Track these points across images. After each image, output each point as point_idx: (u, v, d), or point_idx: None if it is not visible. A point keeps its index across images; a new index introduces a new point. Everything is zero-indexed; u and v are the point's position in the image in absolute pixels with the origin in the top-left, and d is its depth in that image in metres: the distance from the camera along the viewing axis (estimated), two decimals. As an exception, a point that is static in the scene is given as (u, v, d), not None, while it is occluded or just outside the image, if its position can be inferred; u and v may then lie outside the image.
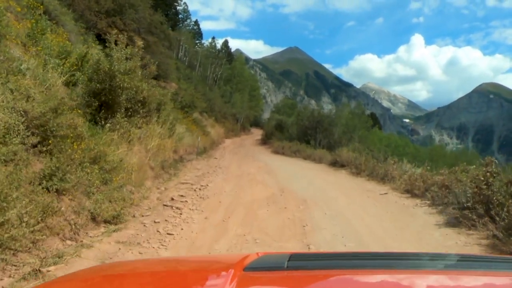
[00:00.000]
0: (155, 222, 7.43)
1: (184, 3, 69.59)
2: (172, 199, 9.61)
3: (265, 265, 1.43)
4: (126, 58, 10.75)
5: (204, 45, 74.09)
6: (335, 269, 1.39)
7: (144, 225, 7.15)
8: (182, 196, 10.14)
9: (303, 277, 1.33)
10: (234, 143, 41.86)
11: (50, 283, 1.68)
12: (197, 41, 74.01)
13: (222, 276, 1.32)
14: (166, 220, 7.60)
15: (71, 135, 7.78)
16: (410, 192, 11.03)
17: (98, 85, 10.10)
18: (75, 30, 17.85)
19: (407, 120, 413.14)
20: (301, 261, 1.52)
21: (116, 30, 15.28)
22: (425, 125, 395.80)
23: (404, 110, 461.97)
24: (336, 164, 18.11)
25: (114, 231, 6.72)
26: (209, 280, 1.38)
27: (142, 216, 7.87)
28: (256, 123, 79.06)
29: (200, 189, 11.32)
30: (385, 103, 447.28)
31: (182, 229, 7.10)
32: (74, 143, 7.75)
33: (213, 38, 76.52)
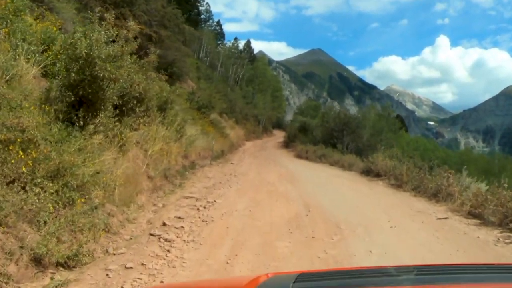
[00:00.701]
0: (125, 267, 5.10)
1: (207, 3, 67.97)
2: (164, 224, 7.26)
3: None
4: (112, 41, 8.52)
5: (227, 45, 72.17)
6: None
7: (107, 274, 4.83)
8: (179, 218, 7.81)
9: None
10: (255, 145, 39.63)
11: None
12: (219, 42, 72.29)
13: None
14: (143, 264, 5.27)
15: (18, 139, 5.59)
16: (479, 216, 8.45)
17: (74, 75, 7.88)
18: (74, 19, 15.80)
19: (431, 123, 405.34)
20: (307, 282, 1.51)
21: (100, 8, 13.16)
22: (450, 128, 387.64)
23: (429, 113, 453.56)
24: (369, 173, 15.74)
25: (60, 285, 4.45)
26: None
27: (114, 254, 5.57)
28: (279, 125, 77.21)
29: (205, 207, 9.01)
30: (409, 106, 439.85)
31: (162, 281, 4.77)
32: (21, 151, 5.56)
33: (236, 38, 74.93)
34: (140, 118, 10.57)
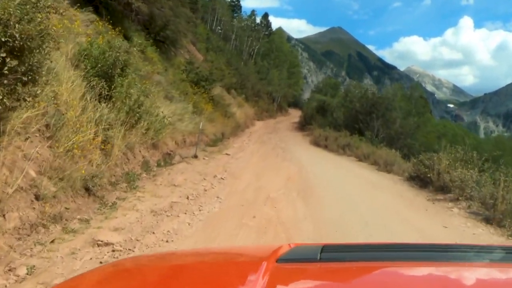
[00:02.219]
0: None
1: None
2: None
3: (298, 257, 1.39)
4: None
5: (243, 18, 66.44)
6: (370, 261, 1.35)
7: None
8: None
9: (337, 269, 1.31)
10: (266, 126, 34.50)
11: (64, 283, 1.55)
12: (236, 15, 66.46)
13: (255, 268, 1.23)
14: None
15: None
16: None
17: None
18: None
19: (451, 105, 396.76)
20: (335, 253, 1.47)
21: None
22: (470, 111, 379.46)
23: (449, 95, 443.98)
24: (423, 182, 10.52)
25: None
26: (242, 272, 1.34)
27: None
28: (295, 103, 72.33)
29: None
30: (429, 87, 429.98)
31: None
32: None
33: (253, 11, 69.15)
34: (20, 87, 5.52)
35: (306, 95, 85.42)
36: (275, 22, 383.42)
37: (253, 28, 63.52)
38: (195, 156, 13.18)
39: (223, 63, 40.25)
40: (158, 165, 10.67)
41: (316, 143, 23.20)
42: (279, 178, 10.82)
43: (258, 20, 67.56)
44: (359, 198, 9.08)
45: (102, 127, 7.82)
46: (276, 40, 66.61)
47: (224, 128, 22.75)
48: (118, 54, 8.94)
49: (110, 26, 15.04)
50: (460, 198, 8.48)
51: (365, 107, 23.99)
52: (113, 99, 8.89)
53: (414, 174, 11.25)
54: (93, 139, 7.53)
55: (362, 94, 24.87)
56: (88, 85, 8.30)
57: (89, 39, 10.04)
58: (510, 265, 1.29)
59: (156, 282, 1.32)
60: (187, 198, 7.82)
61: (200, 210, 7.06)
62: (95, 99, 8.25)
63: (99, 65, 8.88)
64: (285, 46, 71.65)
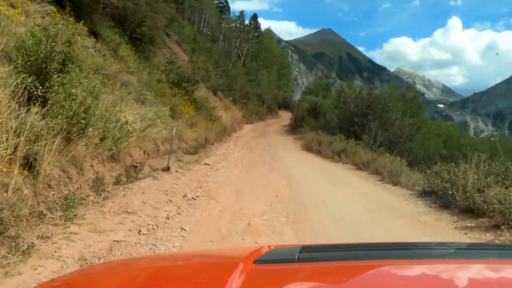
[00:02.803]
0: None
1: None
2: None
3: (275, 258, 1.38)
4: None
5: (232, 19, 64.42)
6: (348, 260, 1.35)
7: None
8: None
9: (315, 269, 1.30)
10: (254, 130, 32.61)
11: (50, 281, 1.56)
12: (224, 16, 64.26)
13: (231, 269, 1.21)
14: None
15: None
16: None
17: None
18: None
19: (441, 106, 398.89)
20: (313, 253, 1.45)
21: None
22: (460, 111, 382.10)
23: (439, 95, 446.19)
24: (442, 199, 8.44)
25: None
26: (217, 273, 1.34)
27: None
28: (285, 105, 70.65)
29: None
30: (419, 88, 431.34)
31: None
32: None
33: (242, 12, 67.26)
34: None
35: (297, 97, 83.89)
36: (265, 24, 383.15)
37: (241, 29, 61.59)
38: (167, 168, 11.19)
39: (210, 65, 38.30)
40: (117, 182, 8.70)
41: (308, 148, 21.26)
42: (265, 196, 8.86)
43: (247, 21, 65.66)
44: (366, 226, 7.04)
45: (24, 138, 5.82)
46: (265, 41, 64.65)
47: (207, 133, 20.82)
48: (54, 44, 6.94)
49: (71, 19, 12.99)
50: (502, 226, 6.48)
51: (360, 108, 22.11)
52: (50, 102, 6.89)
53: (428, 188, 9.33)
54: (11, 154, 5.58)
55: (357, 94, 22.97)
56: (17, 83, 6.35)
57: (35, 27, 8.03)
58: (473, 260, 1.30)
59: (129, 287, 1.31)
60: (139, 232, 5.83)
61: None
62: (21, 102, 6.28)
63: (32, 59, 6.90)
64: (275, 47, 69.70)
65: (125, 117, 10.04)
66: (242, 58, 60.85)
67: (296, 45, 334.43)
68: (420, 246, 1.56)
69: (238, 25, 62.70)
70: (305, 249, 1.39)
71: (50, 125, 6.54)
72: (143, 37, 20.90)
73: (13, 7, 10.35)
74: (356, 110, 22.04)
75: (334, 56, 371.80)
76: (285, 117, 50.88)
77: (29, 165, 6.03)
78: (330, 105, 27.59)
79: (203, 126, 20.87)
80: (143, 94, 15.03)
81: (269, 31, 72.70)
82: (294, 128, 32.65)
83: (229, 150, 18.13)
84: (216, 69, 39.64)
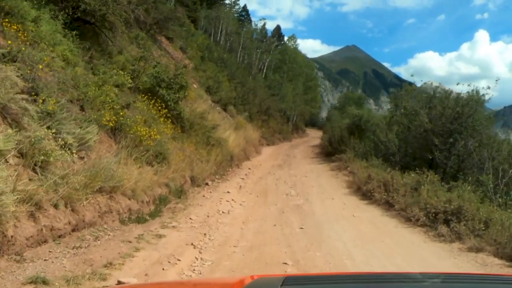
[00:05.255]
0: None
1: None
2: None
3: None
4: None
5: (252, 29, 56.71)
6: None
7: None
8: None
9: None
10: (276, 154, 24.38)
11: None
12: (245, 29, 56.42)
13: None
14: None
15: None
16: None
17: None
18: None
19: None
20: (295, 285, 1.44)
21: None
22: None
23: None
24: None
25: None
26: None
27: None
28: (312, 123, 62.33)
29: None
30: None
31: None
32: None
33: (263, 18, 59.85)
34: None
35: (323, 114, 75.79)
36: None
37: (263, 40, 53.63)
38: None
39: (224, 76, 30.57)
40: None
41: (363, 193, 12.67)
42: None
43: (269, 33, 57.95)
44: None
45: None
46: (289, 50, 56.33)
47: (198, 168, 12.77)
48: None
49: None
50: None
51: (444, 123, 13.68)
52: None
53: None
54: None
55: (443, 100, 14.36)
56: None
57: None
58: None
59: None
60: None
61: None
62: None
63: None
64: (300, 56, 61.22)
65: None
66: (264, 70, 52.70)
67: (321, 62, 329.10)
68: (406, 278, 1.50)
69: (260, 37, 54.76)
70: (288, 280, 1.38)
71: None
72: (94, 18, 12.79)
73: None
74: (438, 126, 13.62)
75: (359, 73, 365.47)
76: (313, 135, 42.96)
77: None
78: (390, 121, 18.62)
79: (189, 156, 12.80)
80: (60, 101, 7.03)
81: (293, 37, 64.26)
82: (328, 152, 24.11)
83: (226, 199, 9.94)
84: (230, 81, 31.88)
